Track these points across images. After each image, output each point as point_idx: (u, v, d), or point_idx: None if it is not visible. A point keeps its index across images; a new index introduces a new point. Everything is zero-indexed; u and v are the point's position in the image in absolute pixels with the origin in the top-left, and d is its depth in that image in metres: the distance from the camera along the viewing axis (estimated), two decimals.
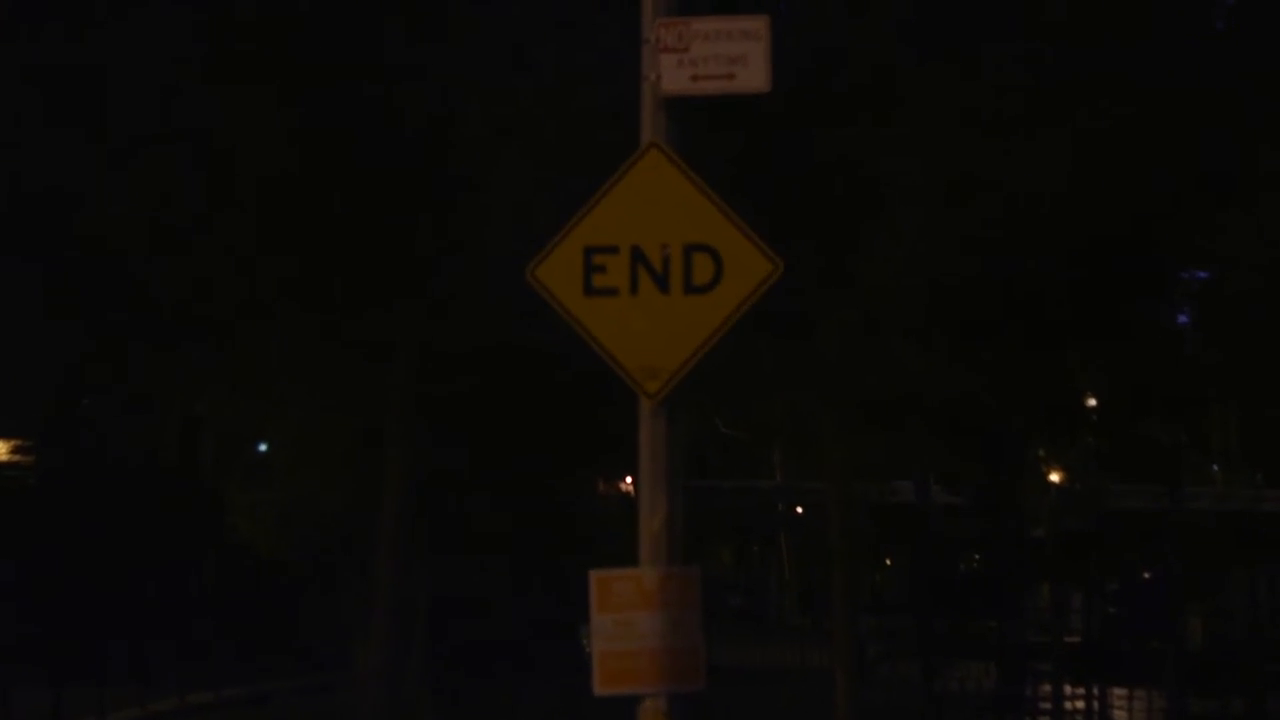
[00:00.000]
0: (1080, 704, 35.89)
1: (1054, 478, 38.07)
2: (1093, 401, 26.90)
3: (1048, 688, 35.46)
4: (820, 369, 18.71)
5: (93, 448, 33.49)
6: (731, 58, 6.00)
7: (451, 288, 19.11)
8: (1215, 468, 49.15)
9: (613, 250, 5.98)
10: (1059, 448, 34.47)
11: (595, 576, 5.88)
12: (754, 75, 5.99)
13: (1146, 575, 47.21)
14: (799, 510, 53.77)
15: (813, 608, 52.89)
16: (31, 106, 18.30)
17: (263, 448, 28.70)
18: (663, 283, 5.94)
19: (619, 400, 6.82)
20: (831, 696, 19.82)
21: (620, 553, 6.57)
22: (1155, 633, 40.02)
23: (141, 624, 32.83)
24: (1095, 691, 35.61)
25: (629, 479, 39.42)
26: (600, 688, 5.85)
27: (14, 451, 36.50)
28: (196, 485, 31.85)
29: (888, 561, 55.75)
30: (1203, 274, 22.52)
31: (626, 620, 5.82)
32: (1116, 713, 36.21)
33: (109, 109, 18.09)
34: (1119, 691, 36.57)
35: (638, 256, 5.96)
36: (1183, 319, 23.92)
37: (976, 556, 45.81)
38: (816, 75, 16.65)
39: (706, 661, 5.90)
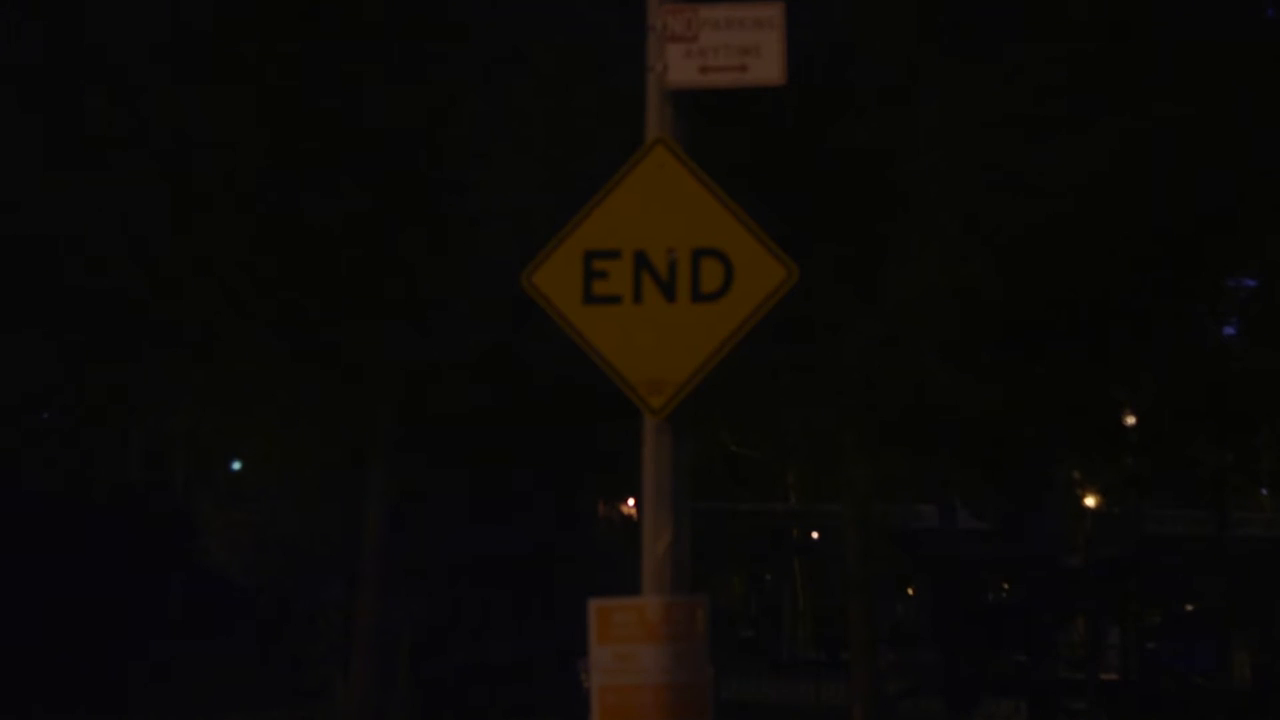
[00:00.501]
0: None
1: (1089, 501, 38.03)
2: (1132, 419, 26.86)
3: None
4: (839, 382, 18.70)
5: (53, 465, 33.48)
6: (743, 47, 5.99)
7: (440, 296, 19.12)
8: (1264, 491, 49.07)
9: (615, 255, 5.97)
10: (1095, 469, 34.43)
11: (595, 606, 5.87)
12: (768, 66, 5.98)
13: (1189, 607, 47.12)
14: (815, 535, 53.68)
15: (829, 640, 52.81)
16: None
17: (237, 465, 28.69)
18: (668, 290, 5.93)
19: (621, 416, 6.81)
20: None
21: (622, 580, 6.55)
22: (1199, 669, 39.94)
23: (105, 653, 32.80)
24: None
25: (631, 501, 39.40)
26: None
27: None
28: (167, 504, 31.85)
29: (910, 591, 55.67)
30: (1251, 281, 22.51)
31: (628, 653, 5.80)
32: None
33: (78, 108, 18.14)
34: None
35: (642, 261, 5.95)
36: (1230, 330, 23.91)
37: (1005, 586, 45.76)
38: (834, 66, 16.66)
39: (714, 698, 5.89)
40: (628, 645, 5.80)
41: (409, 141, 18.65)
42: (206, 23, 17.82)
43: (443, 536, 26.31)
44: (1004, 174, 16.74)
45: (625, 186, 6.03)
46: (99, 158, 18.19)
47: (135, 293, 19.25)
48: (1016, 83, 16.49)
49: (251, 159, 18.32)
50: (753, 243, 5.94)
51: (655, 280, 5.94)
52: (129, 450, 33.54)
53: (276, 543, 25.07)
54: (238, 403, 22.64)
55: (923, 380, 18.07)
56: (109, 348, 20.66)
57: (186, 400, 23.79)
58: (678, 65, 6.03)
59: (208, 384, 21.97)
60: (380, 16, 18.32)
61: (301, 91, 18.32)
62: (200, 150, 18.26)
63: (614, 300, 5.95)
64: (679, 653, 5.79)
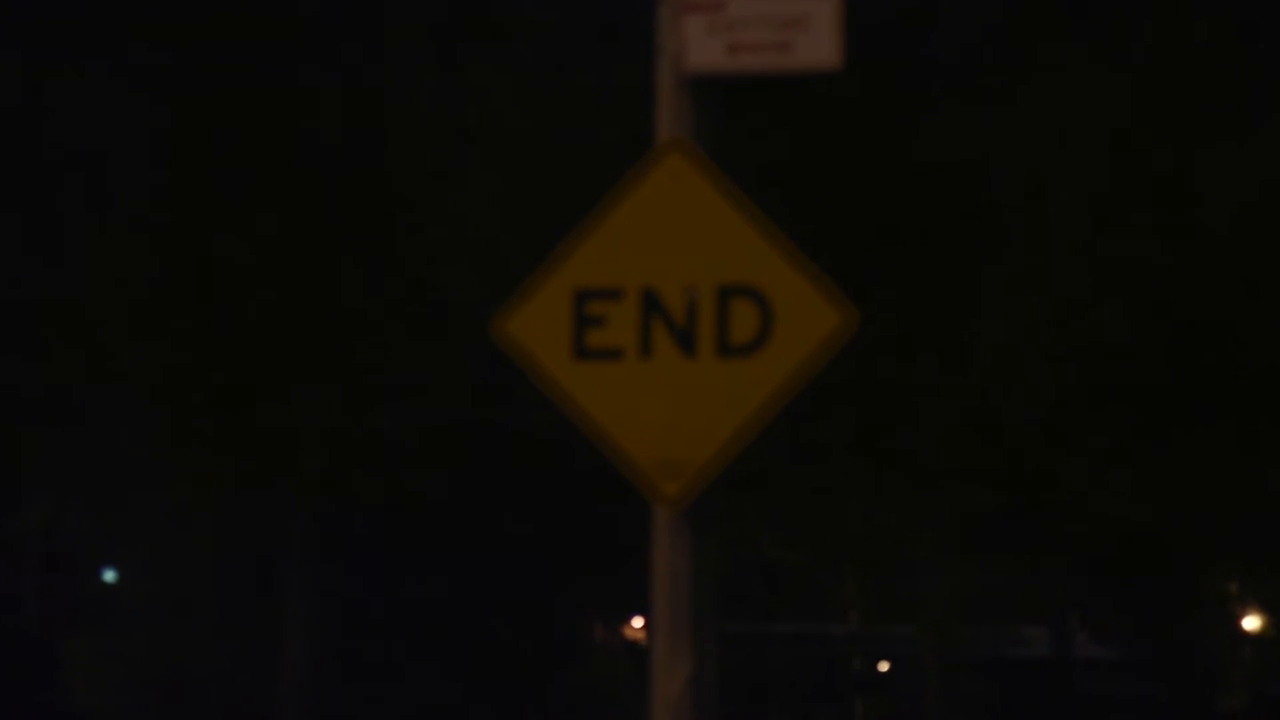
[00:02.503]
0: None
1: (1250, 623, 37.90)
2: None
3: None
4: (913, 467, 18.70)
5: None
6: (786, 20, 6.03)
7: (381, 353, 19.14)
8: None
9: (615, 295, 6.00)
10: (1255, 580, 34.34)
11: None
12: (818, 45, 6.02)
13: None
14: (882, 666, 53.45)
15: None
16: None
17: (111, 577, 28.67)
18: (687, 340, 5.95)
19: (623, 508, 6.83)
20: None
21: None
22: None
23: None
24: None
25: (639, 621, 39.30)
26: None
27: None
28: (15, 630, 31.73)
29: None
30: None
31: None
32: None
33: None
34: None
35: (651, 303, 5.98)
36: None
37: None
38: (908, 45, 16.76)
39: None
40: None
41: (344, 151, 18.73)
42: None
43: (385, 676, 26.23)
44: (1135, 191, 16.77)
45: (629, 205, 6.06)
46: None
47: None
48: (1155, 73, 16.55)
49: (131, 167, 18.41)
50: (798, 278, 5.96)
51: (669, 328, 5.97)
52: None
53: (163, 682, 25.00)
54: (110, 491, 22.62)
55: (1024, 466, 18.06)
56: None
57: (43, 489, 23.78)
58: (699, 44, 6.07)
59: (67, 466, 21.97)
60: None
61: (177, 80, 18.43)
62: (62, 152, 18.37)
63: (614, 355, 5.98)
64: None
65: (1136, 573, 25.57)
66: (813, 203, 15.55)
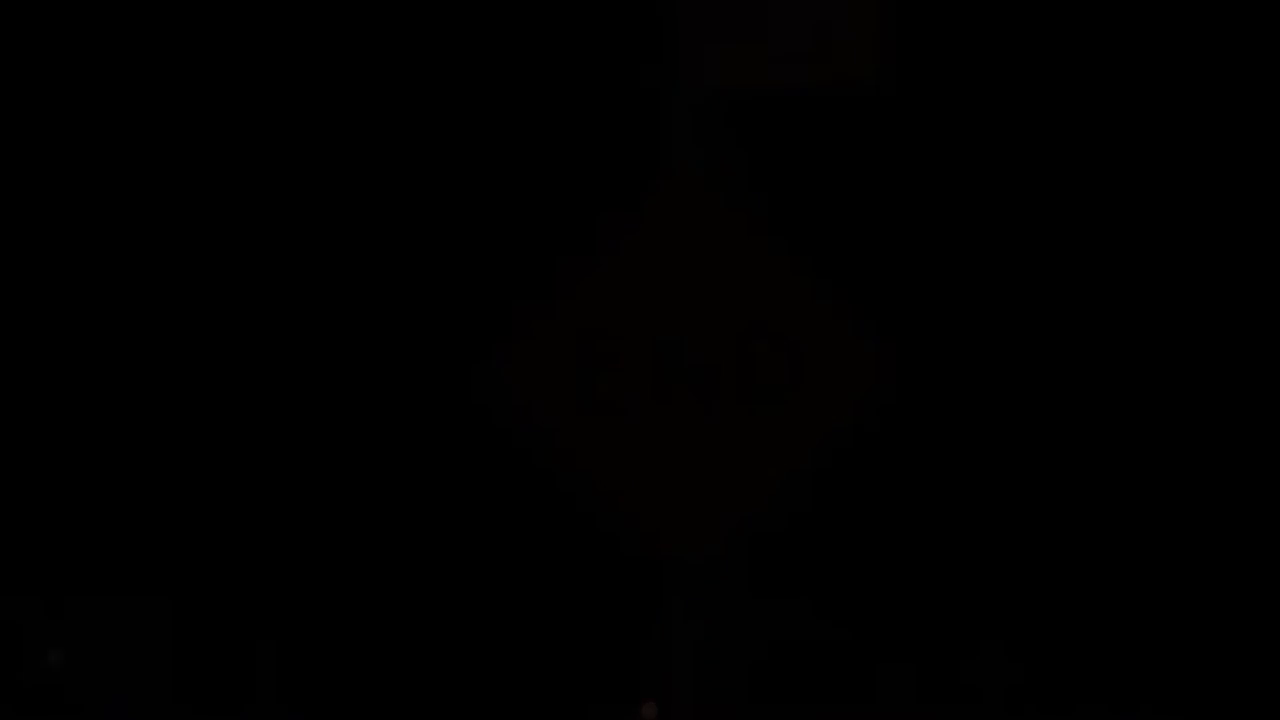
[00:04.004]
0: None
1: None
2: None
3: None
4: (976, 531, 18.73)
5: None
6: (819, 22, 6.05)
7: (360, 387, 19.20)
8: None
9: (623, 337, 6.01)
10: None
11: None
12: (856, 54, 6.04)
13: None
14: None
15: None
16: None
17: (57, 659, 28.74)
18: (706, 389, 5.97)
19: (632, 578, 6.89)
20: None
21: None
22: None
23: None
24: None
25: (650, 711, 39.30)
26: None
27: None
28: None
29: None
30: None
31: None
32: None
33: None
34: None
35: (665, 347, 5.99)
36: None
37: None
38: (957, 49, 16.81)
39: None
40: None
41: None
42: None
43: None
44: None
45: (639, 235, 6.08)
46: None
47: None
48: None
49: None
50: (832, 321, 5.98)
51: (685, 375, 5.98)
52: None
53: None
54: (43, 561, 22.70)
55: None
56: None
57: None
58: (720, 53, 6.08)
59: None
60: None
61: None
62: None
63: (622, 404, 5.99)
64: None
65: (1251, 639, 25.51)
66: (853, 231, 15.60)
